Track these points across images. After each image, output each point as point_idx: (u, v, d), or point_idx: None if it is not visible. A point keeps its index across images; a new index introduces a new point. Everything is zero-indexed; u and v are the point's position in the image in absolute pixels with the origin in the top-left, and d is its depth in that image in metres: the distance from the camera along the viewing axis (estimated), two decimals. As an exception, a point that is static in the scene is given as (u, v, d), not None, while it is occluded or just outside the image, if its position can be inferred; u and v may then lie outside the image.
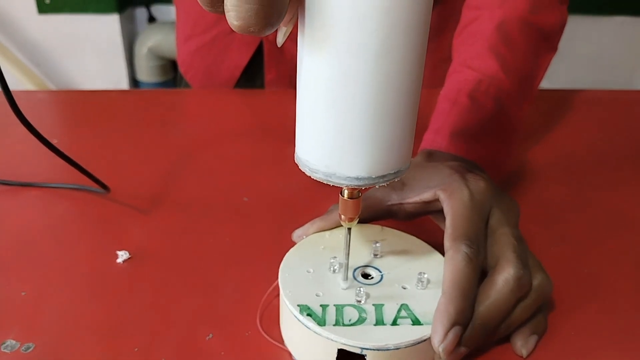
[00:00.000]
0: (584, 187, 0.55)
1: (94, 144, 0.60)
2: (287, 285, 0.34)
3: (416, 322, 0.32)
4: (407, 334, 0.31)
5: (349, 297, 0.33)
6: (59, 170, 0.52)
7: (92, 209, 0.48)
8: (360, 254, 0.37)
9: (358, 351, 0.31)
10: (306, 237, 0.39)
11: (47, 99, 0.74)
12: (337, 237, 0.39)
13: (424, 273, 0.35)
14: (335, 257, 0.36)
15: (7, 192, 0.50)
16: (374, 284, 0.35)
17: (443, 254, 0.35)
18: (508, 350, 0.35)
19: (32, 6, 1.74)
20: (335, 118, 0.26)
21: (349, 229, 0.33)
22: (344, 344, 0.31)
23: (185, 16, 0.80)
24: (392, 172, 0.28)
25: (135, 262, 0.42)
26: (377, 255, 0.37)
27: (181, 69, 0.84)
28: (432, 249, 0.38)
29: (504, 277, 0.33)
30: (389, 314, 0.32)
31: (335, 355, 0.31)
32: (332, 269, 0.35)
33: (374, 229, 0.40)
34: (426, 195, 0.38)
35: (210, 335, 0.35)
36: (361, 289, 0.33)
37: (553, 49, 0.56)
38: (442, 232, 0.36)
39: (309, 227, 0.40)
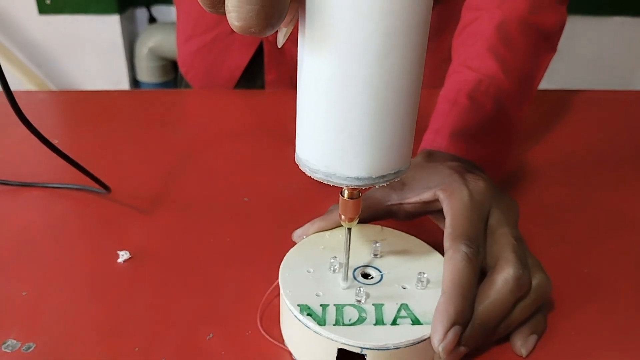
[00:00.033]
0: (584, 187, 0.55)
1: (94, 144, 0.60)
2: (287, 285, 0.34)
3: (416, 321, 0.32)
4: (407, 333, 0.31)
5: (349, 297, 0.33)
6: (60, 170, 0.52)
7: (93, 209, 0.48)
8: (360, 254, 0.37)
9: (358, 351, 0.31)
10: (306, 237, 0.39)
11: (48, 99, 0.74)
12: (337, 237, 0.39)
13: (424, 273, 0.35)
14: (335, 257, 0.36)
15: (7, 192, 0.50)
16: (373, 283, 0.35)
17: (443, 253, 0.35)
18: (507, 350, 0.35)
19: (33, 7, 1.74)
20: (336, 118, 0.26)
21: (349, 229, 0.33)
22: (344, 344, 0.31)
23: (186, 17, 0.80)
24: (392, 172, 0.28)
25: (136, 262, 0.42)
26: (377, 255, 0.37)
27: (182, 69, 0.84)
28: (432, 249, 0.38)
29: (504, 277, 0.33)
30: (388, 313, 0.32)
31: (335, 355, 0.31)
32: (332, 268, 0.35)
33: (374, 229, 0.40)
34: (426, 196, 0.38)
35: (211, 335, 0.35)
36: (361, 288, 0.33)
37: (553, 49, 0.56)
38: (442, 232, 0.36)
39: (309, 227, 0.40)
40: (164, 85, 1.90)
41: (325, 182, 0.28)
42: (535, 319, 0.35)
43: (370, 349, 0.30)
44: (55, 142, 0.40)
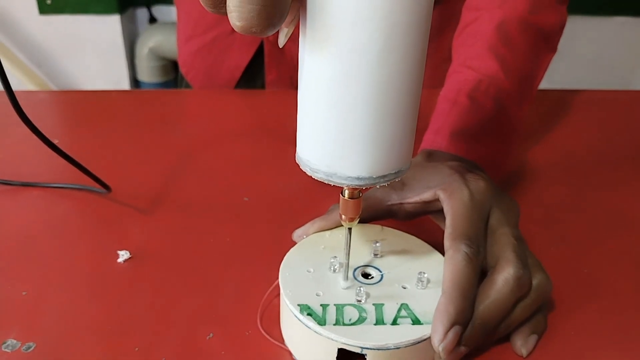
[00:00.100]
0: (584, 187, 0.55)
1: (94, 144, 0.60)
2: (287, 284, 0.34)
3: (416, 321, 0.32)
4: (407, 333, 0.31)
5: (349, 296, 0.33)
6: (60, 170, 0.52)
7: (93, 208, 0.48)
8: (361, 254, 0.37)
9: (358, 350, 0.31)
10: (306, 236, 0.39)
11: (48, 99, 0.74)
12: (337, 237, 0.39)
13: (424, 273, 0.35)
14: (335, 256, 0.36)
15: (8, 192, 0.50)
16: (374, 283, 0.35)
17: (443, 253, 0.35)
18: (508, 350, 0.35)
19: (33, 7, 1.74)
20: (337, 118, 0.26)
21: (350, 228, 0.33)
22: (344, 344, 0.31)
23: (186, 17, 0.80)
24: (393, 172, 0.28)
25: (136, 261, 0.42)
26: (377, 255, 0.37)
27: (182, 69, 0.84)
28: (432, 248, 0.38)
29: (504, 276, 0.33)
30: (389, 313, 0.32)
31: (336, 355, 0.31)
32: (332, 268, 0.35)
33: (374, 228, 0.40)
34: (426, 195, 0.38)
35: (211, 335, 0.35)
36: (361, 288, 0.33)
37: (553, 49, 0.56)
38: (442, 232, 0.36)
39: (309, 226, 0.40)
40: (165, 85, 1.90)
41: (326, 182, 0.28)
42: (536, 318, 0.35)
43: (371, 348, 0.30)
44: (55, 142, 0.40)
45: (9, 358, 0.33)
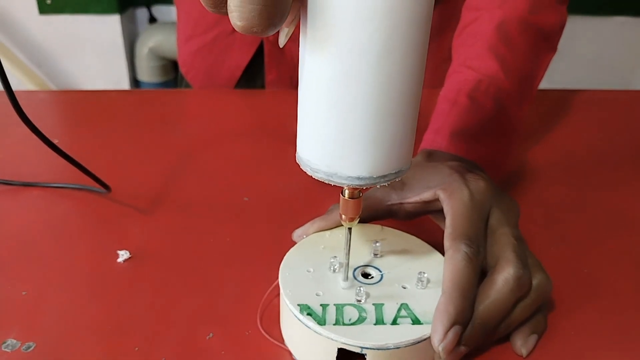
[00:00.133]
0: (584, 187, 0.55)
1: (94, 144, 0.60)
2: (287, 284, 0.34)
3: (416, 321, 0.32)
4: (407, 333, 0.31)
5: (349, 296, 0.33)
6: (60, 170, 0.52)
7: (93, 208, 0.48)
8: (360, 254, 0.37)
9: (358, 350, 0.31)
10: (306, 236, 0.39)
11: (48, 99, 0.74)
12: (337, 237, 0.39)
13: (424, 272, 0.35)
14: (335, 256, 0.36)
15: (8, 191, 0.50)
16: (374, 283, 0.35)
17: (443, 253, 0.35)
18: (508, 350, 0.35)
19: (33, 7, 1.74)
20: (337, 118, 0.26)
21: (350, 228, 0.33)
22: (344, 344, 0.31)
23: (186, 16, 0.80)
24: (393, 172, 0.28)
25: (136, 261, 0.42)
26: (377, 254, 0.37)
27: (182, 69, 0.84)
28: (432, 248, 0.38)
29: (504, 276, 0.33)
30: (389, 313, 0.32)
31: (336, 355, 0.31)
32: (332, 268, 0.35)
33: (374, 228, 0.40)
34: (426, 195, 0.38)
35: (211, 335, 0.35)
36: (361, 288, 0.33)
37: (553, 49, 0.56)
38: (442, 232, 0.36)
39: (309, 226, 0.40)
40: (164, 85, 1.90)
41: (326, 182, 0.28)
42: (536, 318, 0.35)
43: (371, 348, 0.30)
44: (55, 141, 0.40)
45: (9, 358, 0.33)
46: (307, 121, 0.28)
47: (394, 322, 0.32)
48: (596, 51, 1.93)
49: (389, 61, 0.24)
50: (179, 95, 0.77)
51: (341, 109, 0.26)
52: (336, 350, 0.31)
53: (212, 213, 0.48)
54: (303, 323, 0.32)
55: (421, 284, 0.34)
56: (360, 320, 0.32)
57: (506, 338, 0.35)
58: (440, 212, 0.37)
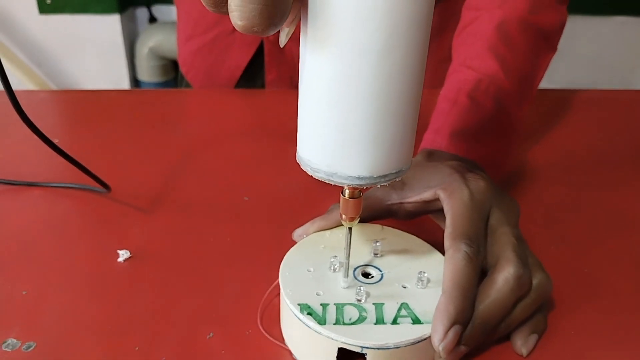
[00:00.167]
0: (584, 187, 0.55)
1: (94, 144, 0.60)
2: (287, 284, 0.34)
3: (416, 321, 0.32)
4: (407, 333, 0.31)
5: (349, 296, 0.33)
6: (61, 169, 0.52)
7: (93, 208, 0.48)
8: (361, 253, 0.37)
9: (358, 350, 0.31)
10: (306, 236, 0.39)
11: (48, 99, 0.74)
12: (337, 237, 0.39)
13: (424, 272, 0.35)
14: (335, 256, 0.36)
15: (8, 191, 0.50)
16: (374, 283, 0.35)
17: (443, 253, 0.35)
18: (508, 349, 0.35)
19: (33, 6, 1.74)
20: (338, 118, 0.26)
21: (350, 228, 0.33)
22: (344, 343, 0.31)
23: (186, 16, 0.80)
24: (394, 171, 0.28)
25: (136, 261, 0.42)
26: (377, 254, 0.37)
27: (182, 69, 0.84)
28: (432, 248, 0.38)
29: (504, 276, 0.33)
30: (389, 313, 0.32)
31: (336, 354, 0.31)
32: (332, 268, 0.35)
33: (374, 228, 0.40)
34: (426, 195, 0.38)
35: (211, 335, 0.35)
36: (361, 288, 0.33)
37: (553, 49, 0.56)
38: (442, 232, 0.36)
39: (309, 226, 0.40)
40: (165, 84, 1.90)
41: (326, 182, 0.28)
42: (536, 318, 0.35)
43: (371, 348, 0.30)
44: (55, 141, 0.40)
45: (9, 357, 0.33)
46: (307, 121, 0.28)
47: (394, 322, 0.32)
48: (596, 51, 1.93)
49: (390, 61, 0.24)
50: (179, 95, 0.77)
51: (342, 108, 0.26)
52: (336, 349, 0.31)
53: (212, 213, 0.48)
54: (303, 323, 0.32)
55: (421, 283, 0.34)
56: (361, 319, 0.32)
57: (506, 338, 0.35)
58: (440, 211, 0.37)
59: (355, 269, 0.36)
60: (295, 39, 0.27)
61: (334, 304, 0.33)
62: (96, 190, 0.49)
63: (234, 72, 0.77)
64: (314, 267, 0.36)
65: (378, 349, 0.30)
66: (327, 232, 0.39)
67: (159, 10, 1.88)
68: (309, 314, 0.32)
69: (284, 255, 0.37)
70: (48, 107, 0.71)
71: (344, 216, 0.32)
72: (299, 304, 0.32)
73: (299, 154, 0.29)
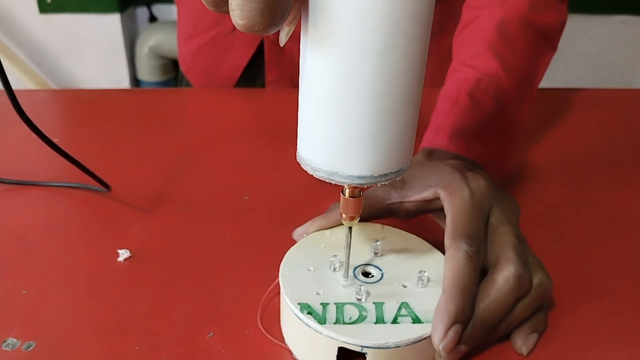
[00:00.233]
0: (584, 187, 0.55)
1: (94, 143, 0.60)
2: (287, 283, 0.34)
3: (416, 320, 0.32)
4: (407, 332, 0.31)
5: (349, 295, 0.33)
6: (60, 169, 0.52)
7: (93, 207, 0.48)
8: (361, 253, 0.37)
9: (358, 349, 0.31)
10: (307, 235, 0.39)
11: (49, 98, 0.74)
12: (337, 236, 0.39)
13: (425, 271, 0.35)
14: (335, 255, 0.36)
15: (8, 191, 0.50)
16: (374, 282, 0.35)
17: (443, 252, 0.35)
18: (508, 349, 0.35)
19: (34, 6, 1.74)
20: (338, 117, 0.26)
21: (350, 227, 0.33)
22: (345, 342, 0.31)
23: (187, 16, 0.80)
24: (394, 170, 0.28)
25: (136, 260, 0.42)
26: (377, 253, 0.37)
27: (182, 68, 0.84)
28: (433, 247, 0.38)
29: (504, 275, 0.33)
30: (389, 312, 0.32)
31: (336, 354, 0.31)
32: (332, 267, 0.35)
33: (374, 227, 0.40)
34: (427, 194, 0.38)
35: (211, 334, 0.35)
36: (361, 287, 0.33)
37: (553, 48, 0.56)
38: (443, 231, 0.36)
39: (309, 225, 0.40)
40: (165, 84, 1.91)
41: (327, 181, 0.28)
42: (536, 317, 0.35)
43: (371, 347, 0.30)
44: (55, 140, 0.40)
45: (9, 357, 0.33)
46: (308, 120, 0.28)
47: (395, 321, 0.32)
48: (596, 50, 1.93)
49: (390, 60, 0.24)
50: (179, 94, 0.77)
51: (342, 108, 0.26)
52: (336, 349, 0.31)
53: (213, 212, 0.48)
54: (303, 322, 0.32)
55: (421, 282, 0.34)
56: (361, 319, 0.32)
57: (507, 337, 0.35)
58: (440, 210, 0.37)
59: (355, 268, 0.36)
60: (295, 38, 0.27)
61: (334, 304, 0.33)
62: (96, 190, 0.49)
63: (234, 71, 0.77)
64: (314, 267, 0.36)
65: (378, 348, 0.30)
66: (327, 232, 0.39)
67: (159, 9, 1.88)
68: (309, 313, 0.32)
69: (284, 254, 0.37)
70: (48, 107, 0.71)
71: (344, 215, 0.32)
72: (299, 304, 0.32)
73: (299, 153, 0.29)
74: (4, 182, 0.50)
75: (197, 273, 0.41)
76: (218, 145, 0.60)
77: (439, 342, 0.31)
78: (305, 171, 0.29)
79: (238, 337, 0.35)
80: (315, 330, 0.31)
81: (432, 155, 0.45)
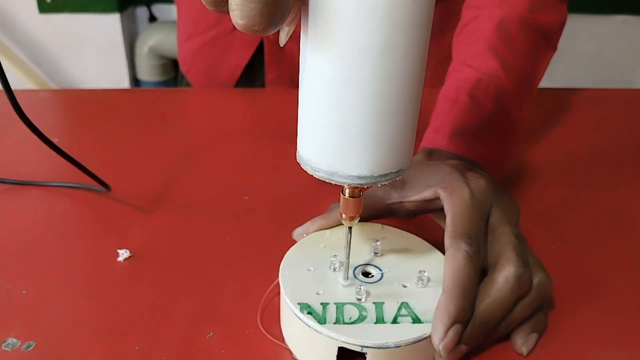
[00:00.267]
0: (584, 187, 0.55)
1: (94, 143, 0.60)
2: (287, 283, 0.34)
3: (416, 320, 0.32)
4: (407, 332, 0.31)
5: (349, 295, 0.33)
6: (60, 169, 0.52)
7: (93, 207, 0.48)
8: (361, 252, 0.37)
9: (358, 349, 0.31)
10: (306, 235, 0.39)
11: (48, 98, 0.74)
12: (337, 236, 0.39)
13: (424, 271, 0.35)
14: (335, 255, 0.36)
15: (8, 191, 0.50)
16: (374, 282, 0.35)
17: (443, 252, 0.35)
18: (508, 349, 0.35)
19: (33, 6, 1.74)
20: (338, 117, 0.26)
21: (350, 227, 0.33)
22: (345, 342, 0.31)
23: (186, 15, 0.80)
24: (394, 170, 0.28)
25: (136, 260, 0.42)
26: (377, 253, 0.37)
27: (182, 68, 0.84)
28: (433, 247, 0.38)
29: (504, 275, 0.33)
30: (389, 312, 0.32)
31: (336, 354, 0.31)
32: (332, 267, 0.35)
33: (374, 227, 0.40)
34: (427, 194, 0.38)
35: (211, 334, 0.35)
36: (361, 287, 0.33)
37: (553, 48, 0.56)
38: (443, 231, 0.36)
39: (309, 225, 0.40)
40: (165, 84, 1.91)
41: (327, 181, 0.28)
42: (536, 317, 0.35)
43: (371, 347, 0.30)
44: (55, 140, 0.40)
45: (10, 357, 0.33)
46: (308, 120, 0.28)
47: (395, 321, 0.32)
48: (596, 50, 1.93)
49: (390, 60, 0.24)
50: (179, 94, 0.77)
51: (342, 107, 0.26)
52: (336, 349, 0.31)
53: (212, 212, 0.48)
54: (303, 322, 0.32)
55: (421, 282, 0.34)
56: (361, 319, 0.32)
57: (507, 337, 0.35)
58: (440, 210, 0.37)
59: (355, 268, 0.36)
60: (295, 38, 0.27)
61: (334, 303, 0.33)
62: (96, 190, 0.49)
63: (234, 71, 0.77)
64: (314, 267, 0.36)
65: (378, 348, 0.30)
66: (327, 231, 0.39)
67: (159, 9, 1.88)
68: (309, 313, 0.32)
69: (284, 254, 0.37)
70: (48, 107, 0.71)
71: (344, 215, 0.32)
72: (299, 303, 0.32)
73: (299, 153, 0.29)
74: (4, 182, 0.50)
75: (197, 273, 0.41)
76: (218, 145, 0.60)
77: (439, 342, 0.31)
78: (305, 171, 0.29)
79: (238, 337, 0.35)
80: (315, 330, 0.31)
81: (432, 155, 0.45)
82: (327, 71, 0.25)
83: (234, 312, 0.37)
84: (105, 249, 0.42)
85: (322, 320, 0.31)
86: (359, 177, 0.27)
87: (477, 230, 0.35)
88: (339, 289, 0.34)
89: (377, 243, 0.37)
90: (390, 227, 0.40)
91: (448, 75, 0.53)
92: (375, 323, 0.31)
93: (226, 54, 0.76)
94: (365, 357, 0.31)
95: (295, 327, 0.33)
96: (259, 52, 0.75)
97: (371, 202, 0.39)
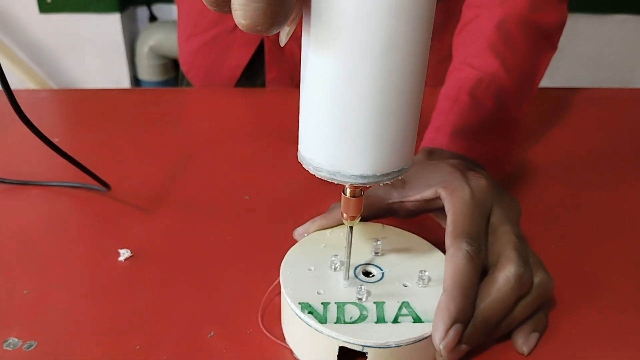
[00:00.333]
0: (584, 187, 0.55)
1: (95, 143, 0.60)
2: (288, 283, 0.34)
3: (417, 319, 0.32)
4: (408, 331, 0.31)
5: (350, 295, 0.33)
6: (60, 168, 0.52)
7: (94, 207, 0.48)
8: (361, 252, 0.37)
9: (359, 349, 0.31)
10: (307, 235, 0.39)
11: (49, 98, 0.74)
12: (338, 235, 0.39)
13: (425, 271, 0.35)
14: (336, 255, 0.36)
15: (8, 190, 0.50)
16: (375, 281, 0.35)
17: (444, 251, 0.35)
18: (509, 348, 0.35)
19: (34, 6, 1.74)
20: (340, 117, 0.26)
21: (351, 227, 0.33)
22: (345, 342, 0.31)
23: (187, 15, 0.80)
24: (396, 170, 0.28)
25: (137, 260, 0.42)
26: (378, 253, 0.37)
27: (183, 67, 0.84)
28: (433, 246, 0.38)
29: (505, 274, 0.33)
30: (390, 311, 0.32)
31: (337, 353, 0.31)
32: (333, 267, 0.35)
33: (375, 226, 0.40)
34: (427, 193, 0.38)
35: (212, 333, 0.35)
36: (362, 286, 0.33)
37: (553, 47, 0.56)
38: (443, 230, 0.36)
39: (310, 225, 0.40)
40: (165, 83, 1.91)
41: (329, 181, 0.28)
42: (537, 317, 0.35)
43: (372, 347, 0.30)
44: (55, 140, 0.40)
45: (11, 356, 0.33)
46: (309, 120, 0.28)
47: (395, 321, 0.32)
48: (596, 49, 1.93)
49: (392, 60, 0.24)
50: (180, 94, 0.77)
51: (344, 107, 0.26)
52: (337, 348, 0.31)
53: (213, 211, 0.48)
54: (304, 321, 0.32)
55: (422, 282, 0.34)
56: (362, 318, 0.32)
57: (507, 336, 0.35)
58: (441, 210, 0.37)
59: (356, 268, 0.36)
60: (295, 38, 0.27)
61: (335, 303, 0.33)
62: (96, 189, 0.49)
63: (234, 71, 0.77)
64: (315, 266, 0.36)
65: (379, 347, 0.30)
66: (328, 231, 0.39)
67: (159, 9, 1.88)
68: (309, 312, 0.32)
69: (285, 254, 0.37)
70: (48, 107, 0.71)
71: (345, 215, 0.32)
72: (299, 303, 0.32)
73: (300, 153, 0.29)
74: (4, 182, 0.50)
75: (198, 272, 0.41)
76: (218, 145, 0.60)
77: (440, 342, 0.31)
78: (307, 171, 0.29)
79: (239, 336, 0.35)
80: (316, 330, 0.31)
81: (432, 154, 0.45)
82: (329, 71, 0.25)
83: (234, 311, 0.37)
84: (106, 248, 0.43)
85: (322, 320, 0.31)
86: (362, 177, 0.27)
87: (477, 230, 0.35)
88: (340, 288, 0.34)
89: (378, 243, 0.37)
90: (391, 227, 0.40)
91: (448, 74, 0.53)
92: (376, 323, 0.31)
93: (226, 53, 0.76)
94: (366, 357, 0.31)
95: (296, 327, 0.33)
96: (260, 51, 0.75)
97: (372, 202, 0.39)
